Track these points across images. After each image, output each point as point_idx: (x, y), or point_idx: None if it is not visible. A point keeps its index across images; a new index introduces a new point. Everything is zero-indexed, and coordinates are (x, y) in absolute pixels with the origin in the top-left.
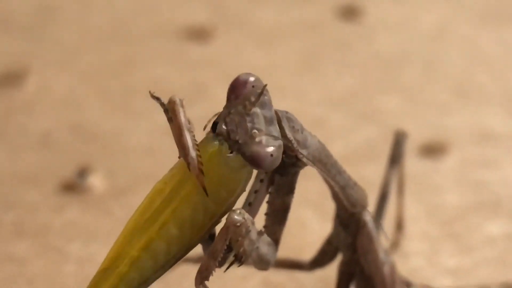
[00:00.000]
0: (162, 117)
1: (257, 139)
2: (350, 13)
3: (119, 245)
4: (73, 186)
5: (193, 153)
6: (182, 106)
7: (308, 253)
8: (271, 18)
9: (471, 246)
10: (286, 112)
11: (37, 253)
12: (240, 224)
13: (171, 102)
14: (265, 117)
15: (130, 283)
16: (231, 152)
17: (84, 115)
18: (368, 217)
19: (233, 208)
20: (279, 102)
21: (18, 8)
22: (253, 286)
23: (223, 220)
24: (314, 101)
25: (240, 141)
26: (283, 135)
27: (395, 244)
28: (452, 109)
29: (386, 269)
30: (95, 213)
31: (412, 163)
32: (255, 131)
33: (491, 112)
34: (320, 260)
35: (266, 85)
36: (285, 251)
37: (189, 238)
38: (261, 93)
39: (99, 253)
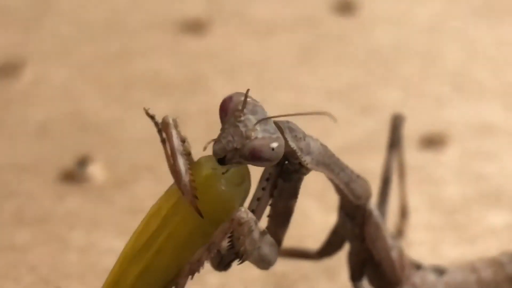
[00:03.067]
0: (161, 108)
1: (253, 137)
2: (346, 7)
3: (117, 272)
4: (73, 176)
5: (186, 178)
6: (176, 126)
7: (310, 244)
8: (267, 12)
9: (474, 237)
10: (287, 122)
11: (39, 241)
12: (244, 222)
13: (165, 123)
14: (258, 120)
15: None
16: (226, 171)
17: (82, 105)
18: (373, 206)
19: (240, 207)
20: (277, 95)
21: (15, 0)
22: (256, 276)
23: None
24: (312, 94)
25: (238, 147)
26: (287, 145)
27: (400, 233)
28: (451, 102)
29: (394, 254)
30: (95, 202)
31: (412, 155)
32: (249, 132)
33: (488, 105)
34: (327, 250)
35: (248, 90)
36: (287, 241)
37: (186, 261)
38: (245, 97)
39: (101, 241)
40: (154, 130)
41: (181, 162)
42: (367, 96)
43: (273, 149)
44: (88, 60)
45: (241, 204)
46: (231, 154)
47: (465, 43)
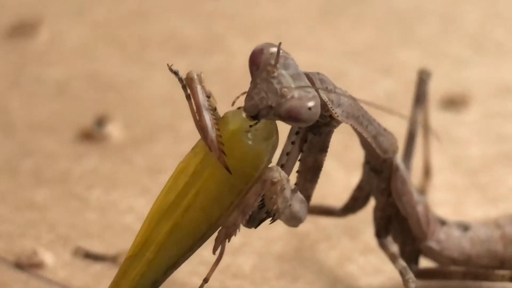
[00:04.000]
0: (178, 68)
1: (289, 96)
2: None
3: (145, 231)
4: (91, 135)
5: (212, 134)
6: (201, 81)
7: (332, 203)
8: None
9: (497, 197)
10: (318, 74)
11: (57, 200)
12: (277, 181)
13: (189, 78)
14: (292, 76)
15: (158, 268)
16: (256, 123)
17: (99, 64)
18: (399, 160)
19: (270, 165)
20: (296, 55)
21: None
22: (279, 235)
23: None
24: (331, 54)
25: (273, 105)
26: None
27: (423, 193)
28: (471, 63)
29: (420, 208)
30: (114, 162)
31: (433, 115)
32: (284, 89)
33: (509, 66)
34: (352, 206)
35: (280, 43)
36: None
37: (216, 217)
38: (278, 51)
39: (119, 200)
40: (172, 89)
41: (207, 118)
42: (387, 56)
43: (309, 108)
44: (104, 19)
45: (270, 159)
46: (265, 111)
47: (485, 3)
